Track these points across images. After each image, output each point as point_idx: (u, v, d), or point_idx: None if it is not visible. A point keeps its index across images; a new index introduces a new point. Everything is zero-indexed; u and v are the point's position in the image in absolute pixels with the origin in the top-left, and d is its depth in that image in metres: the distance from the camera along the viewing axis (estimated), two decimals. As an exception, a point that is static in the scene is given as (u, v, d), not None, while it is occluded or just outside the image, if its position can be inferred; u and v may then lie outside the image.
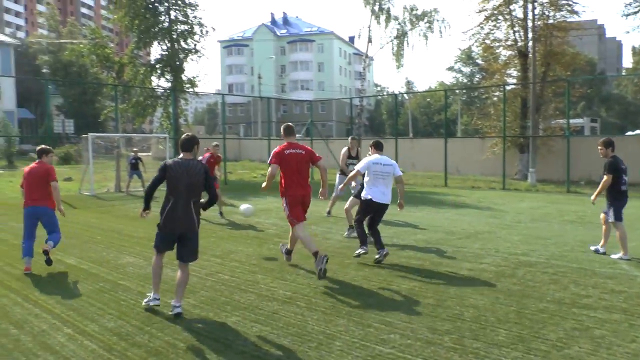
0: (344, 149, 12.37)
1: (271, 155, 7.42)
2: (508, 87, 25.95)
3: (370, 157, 8.18)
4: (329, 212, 12.88)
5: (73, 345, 4.82)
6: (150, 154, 35.41)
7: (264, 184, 7.62)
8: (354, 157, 12.12)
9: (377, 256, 7.87)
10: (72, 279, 7.17)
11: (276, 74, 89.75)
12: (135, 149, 20.38)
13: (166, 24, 29.31)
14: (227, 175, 24.55)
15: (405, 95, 79.36)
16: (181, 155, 5.76)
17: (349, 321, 5.35)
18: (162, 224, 5.64)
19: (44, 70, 68.24)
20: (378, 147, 8.38)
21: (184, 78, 30.12)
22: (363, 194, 8.13)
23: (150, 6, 28.77)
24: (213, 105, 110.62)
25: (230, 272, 7.42)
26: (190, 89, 30.24)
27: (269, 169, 7.40)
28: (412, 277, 7.10)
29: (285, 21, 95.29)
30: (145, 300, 5.88)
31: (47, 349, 4.74)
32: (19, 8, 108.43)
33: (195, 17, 29.91)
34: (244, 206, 9.72)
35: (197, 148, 5.82)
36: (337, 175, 12.59)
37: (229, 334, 5.02)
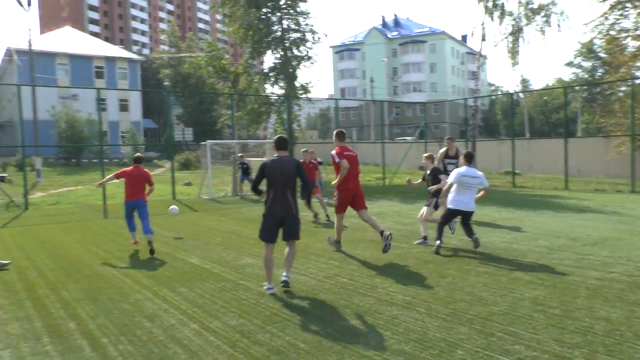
0: (442, 150, 12.46)
1: (336, 155, 9.02)
2: (637, 81, 23.97)
3: (460, 169, 8.84)
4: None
5: (199, 340, 5.07)
6: (265, 158, 36.71)
7: (335, 182, 9.11)
8: (452, 156, 12.25)
9: (473, 242, 8.78)
10: (195, 278, 7.55)
11: (388, 76, 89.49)
12: (240, 154, 21.08)
13: (279, 33, 30.23)
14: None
15: (521, 94, 76.03)
16: (275, 155, 6.92)
17: (470, 329, 5.17)
18: (267, 211, 6.83)
19: (166, 83, 73.02)
20: (469, 159, 8.97)
21: (296, 84, 30.93)
22: (448, 202, 8.92)
23: (263, 17, 29.79)
24: (325, 110, 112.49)
25: (349, 276, 7.46)
26: (304, 95, 30.97)
27: (342, 164, 8.91)
28: (535, 285, 6.74)
29: (396, 23, 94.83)
30: (264, 288, 6.78)
31: (177, 342, 5.03)
32: (144, 27, 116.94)
33: (307, 24, 30.63)
34: (170, 207, 12.73)
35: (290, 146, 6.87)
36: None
37: (349, 337, 5.04)
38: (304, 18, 30.66)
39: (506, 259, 8.26)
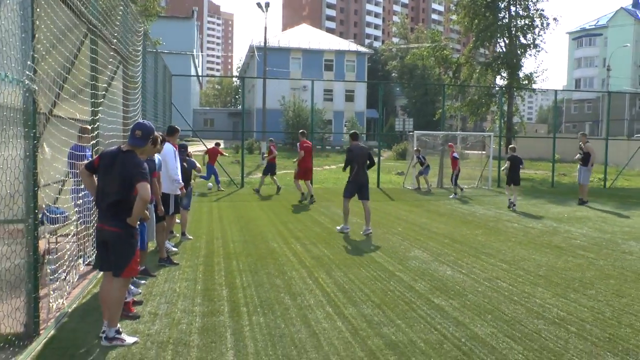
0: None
1: (299, 146, 15.41)
2: None
3: None
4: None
5: (326, 323, 5.16)
6: (484, 152, 35.21)
7: (295, 160, 15.59)
8: (580, 148, 15.64)
9: None
10: (356, 264, 7.65)
11: (634, 64, 78.38)
12: (417, 148, 20.05)
13: (505, 20, 28.78)
14: (555, 177, 22.77)
15: None
16: (354, 144, 10.36)
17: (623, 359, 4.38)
18: (351, 179, 10.20)
19: (393, 75, 74.36)
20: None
21: (520, 75, 29.23)
22: None
23: (491, 4, 28.61)
24: (559, 102, 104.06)
25: (511, 281, 6.85)
26: (527, 86, 29.09)
27: (300, 153, 15.17)
28: None
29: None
30: (338, 228, 10.32)
31: (304, 322, 5.18)
32: (378, 21, 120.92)
33: (536, 9, 28.65)
34: None
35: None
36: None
37: (474, 345, 4.65)
38: (534, 2, 28.70)
39: None
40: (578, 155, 15.86)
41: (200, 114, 66.90)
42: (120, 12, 8.41)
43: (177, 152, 8.21)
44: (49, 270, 5.17)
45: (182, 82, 48.76)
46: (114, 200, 4.48)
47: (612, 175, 22.93)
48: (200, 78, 74.69)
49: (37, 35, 4.59)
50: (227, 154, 21.61)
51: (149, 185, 4.43)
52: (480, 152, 27.79)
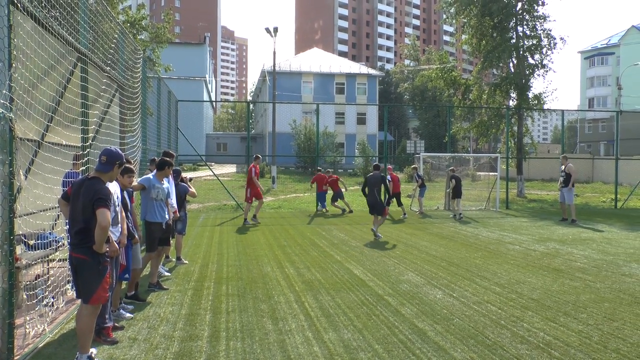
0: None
1: (253, 169, 15.80)
2: None
3: None
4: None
5: (303, 348, 5.10)
6: (495, 173, 34.92)
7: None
8: (562, 170, 16.46)
9: None
10: (345, 288, 7.58)
11: (647, 83, 77.61)
12: (452, 168, 20.21)
13: (513, 41, 28.81)
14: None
15: None
16: (372, 173, 12.99)
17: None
18: (367, 200, 12.94)
19: (405, 97, 74.56)
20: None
21: (530, 95, 29.17)
22: None
23: (497, 24, 28.71)
24: (573, 122, 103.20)
25: (501, 304, 6.74)
26: (536, 106, 29.02)
27: (251, 172, 15.80)
28: None
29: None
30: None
31: (281, 347, 5.13)
32: (390, 44, 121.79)
33: (543, 29, 28.65)
34: None
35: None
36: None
37: (449, 370, 4.57)
38: (541, 22, 28.74)
39: None
40: (560, 177, 16.64)
41: (213, 139, 67.49)
42: (115, 40, 8.58)
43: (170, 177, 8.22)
44: (25, 297, 5.19)
45: (195, 107, 49.31)
46: (80, 228, 4.52)
47: (624, 195, 22.63)
48: (214, 103, 75.50)
49: (14, 65, 4.69)
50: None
51: (107, 212, 4.44)
52: (489, 173, 27.68)
